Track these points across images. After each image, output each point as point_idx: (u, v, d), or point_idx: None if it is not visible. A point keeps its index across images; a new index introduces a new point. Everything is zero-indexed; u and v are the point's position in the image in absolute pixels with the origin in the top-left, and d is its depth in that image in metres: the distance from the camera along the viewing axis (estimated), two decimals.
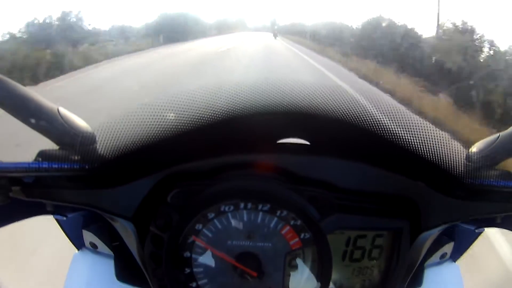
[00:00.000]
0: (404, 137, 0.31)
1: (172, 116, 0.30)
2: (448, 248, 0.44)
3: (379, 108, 0.31)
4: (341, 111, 0.31)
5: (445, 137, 0.31)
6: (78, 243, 0.42)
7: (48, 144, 0.32)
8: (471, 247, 0.44)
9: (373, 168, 0.36)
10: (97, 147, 0.31)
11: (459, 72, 6.58)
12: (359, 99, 0.32)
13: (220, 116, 0.30)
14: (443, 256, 0.44)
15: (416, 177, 0.36)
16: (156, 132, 0.30)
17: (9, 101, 0.31)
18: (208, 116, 0.30)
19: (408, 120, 0.31)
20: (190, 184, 0.34)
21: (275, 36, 21.88)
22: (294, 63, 8.92)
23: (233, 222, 0.34)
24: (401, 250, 0.36)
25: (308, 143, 0.38)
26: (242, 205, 0.33)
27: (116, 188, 0.34)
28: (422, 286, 0.42)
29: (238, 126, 0.32)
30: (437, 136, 0.31)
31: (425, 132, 0.31)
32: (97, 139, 0.32)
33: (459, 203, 0.36)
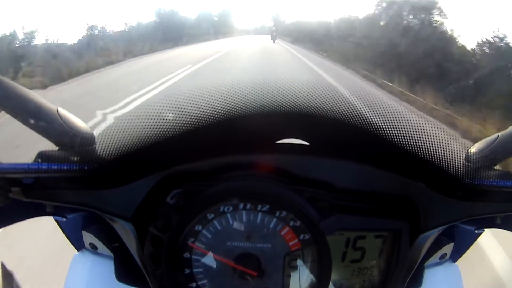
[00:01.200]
0: (403, 138, 0.31)
1: (170, 116, 0.30)
2: (448, 248, 0.44)
3: (374, 110, 0.31)
4: (340, 111, 0.31)
5: (445, 138, 0.31)
6: (78, 244, 0.42)
7: (47, 145, 0.32)
8: (471, 247, 0.44)
9: (372, 169, 0.36)
10: (97, 147, 0.31)
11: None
12: (356, 102, 0.32)
13: (219, 116, 0.31)
14: (443, 257, 0.44)
15: (416, 178, 0.36)
16: (155, 132, 0.30)
17: (8, 102, 0.31)
18: (207, 117, 0.30)
19: (407, 122, 0.31)
20: (190, 185, 0.34)
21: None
22: None
23: (233, 223, 0.34)
24: (401, 251, 0.36)
25: (307, 143, 0.38)
26: (241, 205, 0.33)
27: (115, 189, 0.34)
28: (422, 287, 0.42)
29: (237, 126, 0.32)
30: (436, 137, 0.31)
31: (425, 133, 0.31)
32: (96, 139, 0.32)
33: (459, 204, 0.36)
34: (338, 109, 0.31)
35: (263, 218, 0.34)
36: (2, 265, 0.38)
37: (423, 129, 0.31)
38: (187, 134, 0.31)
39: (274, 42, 19.30)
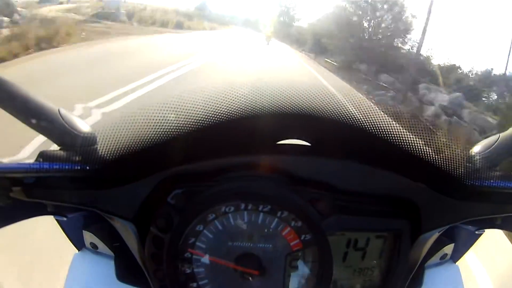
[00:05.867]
0: (404, 139, 0.31)
1: (172, 117, 0.30)
2: (448, 249, 0.44)
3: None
4: (341, 112, 0.31)
5: (445, 139, 0.31)
6: (79, 244, 0.42)
7: (49, 145, 0.32)
8: (471, 248, 0.44)
9: (373, 169, 0.36)
10: (98, 147, 0.31)
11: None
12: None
13: (220, 117, 0.31)
14: (443, 257, 0.44)
15: (417, 179, 0.36)
16: (157, 133, 0.30)
17: (10, 102, 0.31)
18: (209, 117, 0.30)
19: (407, 122, 0.31)
20: (191, 185, 0.34)
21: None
22: None
23: (234, 223, 0.34)
24: (402, 251, 0.36)
25: (308, 144, 0.38)
26: (242, 206, 0.33)
27: (116, 188, 0.34)
28: (422, 287, 0.42)
29: (238, 127, 0.32)
30: (437, 138, 0.31)
31: (425, 134, 0.31)
32: (97, 139, 0.32)
33: (460, 204, 0.36)
34: (340, 110, 0.31)
35: (265, 219, 0.34)
36: None
37: (424, 130, 0.31)
38: (188, 135, 0.31)
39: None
